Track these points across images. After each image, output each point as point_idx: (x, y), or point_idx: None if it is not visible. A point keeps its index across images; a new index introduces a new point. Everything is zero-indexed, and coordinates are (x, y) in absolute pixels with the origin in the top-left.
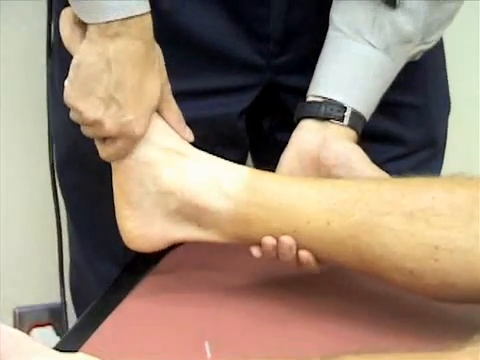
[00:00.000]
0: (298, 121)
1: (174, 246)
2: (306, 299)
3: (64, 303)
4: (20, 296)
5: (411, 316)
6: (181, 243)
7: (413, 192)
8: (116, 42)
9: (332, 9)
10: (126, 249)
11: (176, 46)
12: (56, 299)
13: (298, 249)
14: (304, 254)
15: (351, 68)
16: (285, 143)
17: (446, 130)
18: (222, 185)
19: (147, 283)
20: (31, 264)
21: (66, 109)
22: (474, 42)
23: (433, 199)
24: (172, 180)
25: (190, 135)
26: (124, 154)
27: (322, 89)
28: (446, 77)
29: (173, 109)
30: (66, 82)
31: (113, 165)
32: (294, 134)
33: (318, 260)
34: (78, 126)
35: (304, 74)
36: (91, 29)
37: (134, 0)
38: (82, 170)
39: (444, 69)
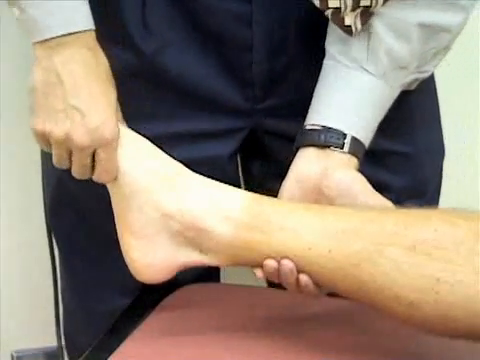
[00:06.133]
0: (297, 149)
1: (172, 289)
2: (308, 340)
3: (61, 347)
4: (17, 340)
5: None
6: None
7: (415, 224)
8: (61, 53)
9: (327, 41)
10: (119, 293)
11: (161, 89)
12: (53, 343)
13: (298, 273)
14: (304, 278)
15: (349, 96)
16: (275, 192)
17: (440, 177)
18: (223, 208)
19: (146, 326)
20: (29, 308)
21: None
22: (470, 87)
23: (435, 232)
24: (172, 203)
25: None
26: (112, 168)
27: (321, 118)
28: (439, 123)
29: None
30: (29, 111)
31: (112, 198)
32: (294, 162)
33: (318, 286)
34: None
35: (289, 119)
36: (35, 46)
37: (75, 16)
38: (70, 210)
39: (436, 114)
